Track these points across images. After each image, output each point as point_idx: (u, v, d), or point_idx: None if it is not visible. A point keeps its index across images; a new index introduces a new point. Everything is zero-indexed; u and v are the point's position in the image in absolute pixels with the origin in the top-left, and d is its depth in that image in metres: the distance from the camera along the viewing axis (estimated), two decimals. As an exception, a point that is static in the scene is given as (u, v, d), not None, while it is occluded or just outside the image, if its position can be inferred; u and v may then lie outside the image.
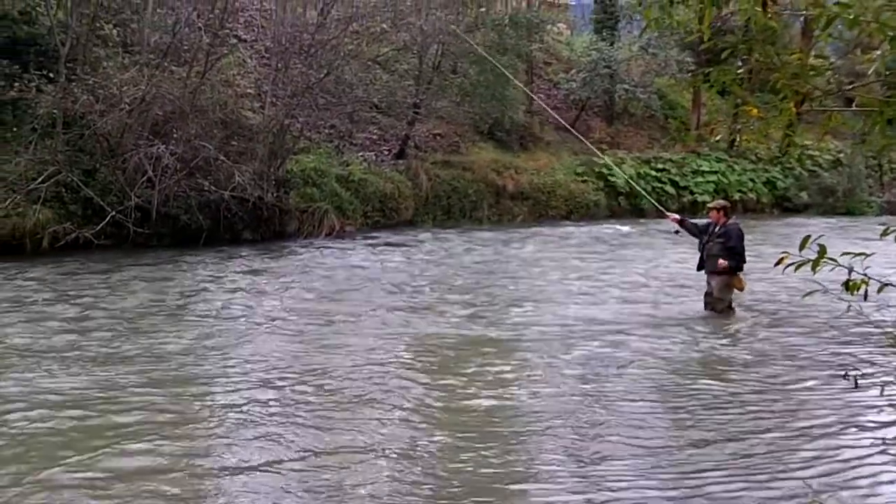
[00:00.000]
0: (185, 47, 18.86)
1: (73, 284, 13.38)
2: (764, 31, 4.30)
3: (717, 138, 25.87)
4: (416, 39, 21.95)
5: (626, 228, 15.86)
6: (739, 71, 4.52)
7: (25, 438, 6.52)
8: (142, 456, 6.14)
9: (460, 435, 6.60)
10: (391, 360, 8.81)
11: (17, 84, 16.77)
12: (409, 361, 8.80)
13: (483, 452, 6.21)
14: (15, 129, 17.51)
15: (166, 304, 11.85)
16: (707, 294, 11.22)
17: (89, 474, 5.83)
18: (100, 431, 6.66)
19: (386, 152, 23.29)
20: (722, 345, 9.66)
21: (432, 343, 9.61)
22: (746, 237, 11.25)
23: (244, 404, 7.28)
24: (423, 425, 6.84)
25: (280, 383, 7.94)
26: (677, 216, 11.54)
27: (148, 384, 7.96)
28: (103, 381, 8.04)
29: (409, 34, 21.46)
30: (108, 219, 16.67)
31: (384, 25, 20.18)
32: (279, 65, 20.13)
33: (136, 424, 6.81)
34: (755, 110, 4.55)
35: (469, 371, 8.40)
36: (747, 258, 11.09)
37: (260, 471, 5.85)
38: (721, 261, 10.90)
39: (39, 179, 16.59)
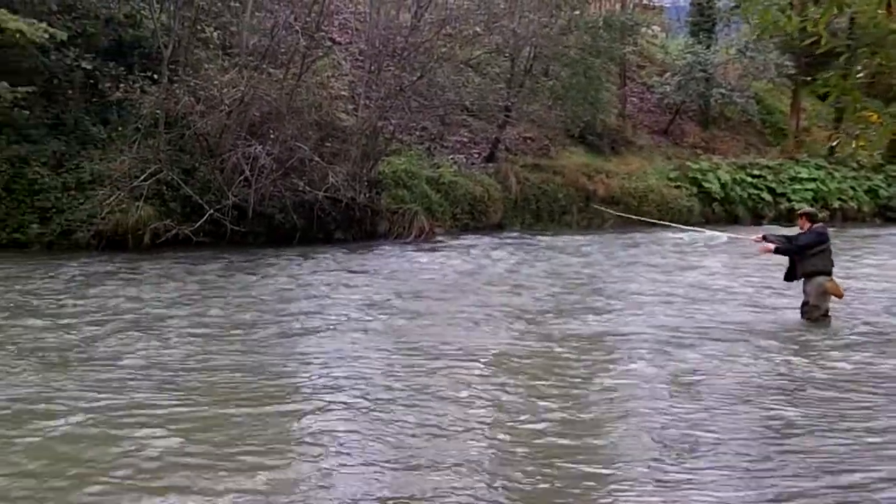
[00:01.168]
0: (282, 50, 19.21)
1: (178, 279, 13.72)
2: (888, 34, 4.20)
3: (835, 145, 25.17)
4: (509, 42, 22.00)
5: (724, 236, 15.46)
6: (860, 76, 4.42)
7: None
8: (242, 444, 6.27)
9: (551, 437, 6.60)
10: (481, 360, 8.79)
11: (122, 85, 17.31)
12: (498, 363, 8.78)
13: (574, 457, 6.20)
14: (119, 129, 18.12)
15: (264, 301, 12.02)
16: (804, 303, 11.06)
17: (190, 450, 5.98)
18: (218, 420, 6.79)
19: (476, 155, 23.37)
20: (809, 360, 9.19)
21: (523, 344, 9.62)
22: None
23: (332, 401, 7.28)
24: (517, 426, 6.82)
25: (370, 380, 7.98)
26: (765, 244, 11.16)
27: (241, 368, 8.14)
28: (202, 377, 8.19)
29: (501, 37, 21.52)
30: (206, 216, 17.09)
31: (477, 28, 20.22)
32: (373, 67, 20.37)
33: (240, 415, 6.89)
34: (875, 116, 4.47)
35: (557, 373, 8.40)
36: (838, 264, 10.83)
37: (351, 467, 5.86)
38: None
39: (142, 177, 17.13)
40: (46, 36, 16.57)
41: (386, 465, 5.86)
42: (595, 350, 9.47)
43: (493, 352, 9.15)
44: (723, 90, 28.20)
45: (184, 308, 11.46)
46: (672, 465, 6.02)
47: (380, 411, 7.00)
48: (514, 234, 20.52)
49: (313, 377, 8.12)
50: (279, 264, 15.45)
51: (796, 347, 9.70)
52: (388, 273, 14.73)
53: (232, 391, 7.53)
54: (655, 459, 6.10)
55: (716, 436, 6.61)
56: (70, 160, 17.66)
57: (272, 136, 17.81)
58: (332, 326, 10.32)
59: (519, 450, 6.26)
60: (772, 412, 7.31)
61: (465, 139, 23.67)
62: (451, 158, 22.44)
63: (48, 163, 17.46)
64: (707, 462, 6.09)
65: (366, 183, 18.91)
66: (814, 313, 10.88)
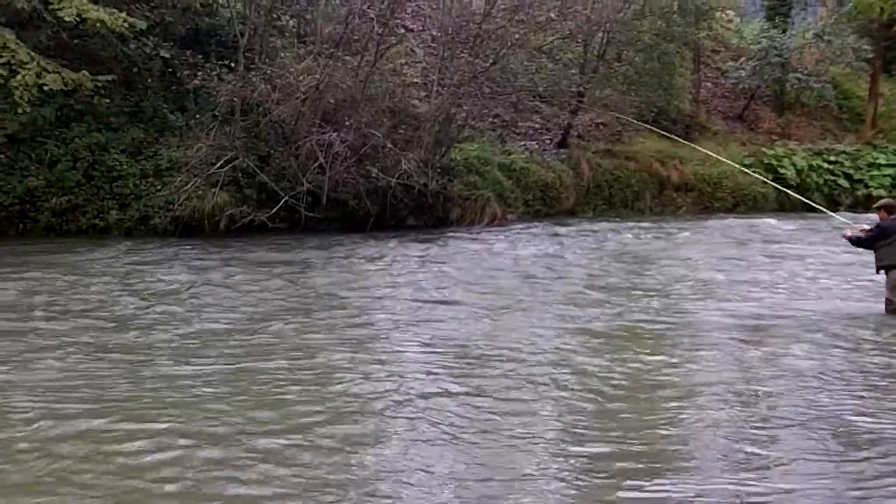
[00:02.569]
0: (356, 37, 19.18)
1: (258, 265, 13.90)
2: None
3: None
4: (582, 28, 21.67)
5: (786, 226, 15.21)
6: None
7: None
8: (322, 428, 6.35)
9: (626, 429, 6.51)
10: (557, 348, 8.79)
11: (199, 73, 17.38)
12: (575, 350, 8.77)
13: (651, 448, 6.14)
14: (197, 117, 18.19)
15: (342, 286, 12.22)
16: (887, 298, 10.71)
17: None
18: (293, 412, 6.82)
19: (548, 141, 23.20)
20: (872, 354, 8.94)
21: (598, 332, 9.57)
22: None
23: (408, 389, 7.36)
24: (592, 417, 6.78)
25: (444, 368, 8.03)
26: (846, 232, 11.09)
27: (321, 366, 8.15)
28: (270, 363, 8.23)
29: (574, 22, 21.16)
30: (281, 203, 17.15)
31: (550, 14, 19.94)
32: (445, 54, 20.25)
33: (322, 404, 6.97)
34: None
35: (631, 362, 8.35)
36: None
37: (431, 459, 5.89)
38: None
39: (218, 164, 17.23)
40: (126, 25, 16.72)
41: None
42: (665, 338, 9.37)
43: (561, 340, 9.12)
44: (799, 75, 27.49)
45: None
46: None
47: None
48: (587, 221, 20.29)
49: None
50: (354, 249, 15.55)
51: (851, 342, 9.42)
52: (460, 259, 14.72)
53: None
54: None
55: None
56: (148, 147, 17.84)
57: (346, 123, 17.82)
58: (407, 312, 10.57)
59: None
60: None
61: (536, 125, 23.49)
62: (523, 145, 22.31)
63: (127, 150, 17.65)
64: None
65: (438, 169, 18.81)
66: (889, 306, 10.62)
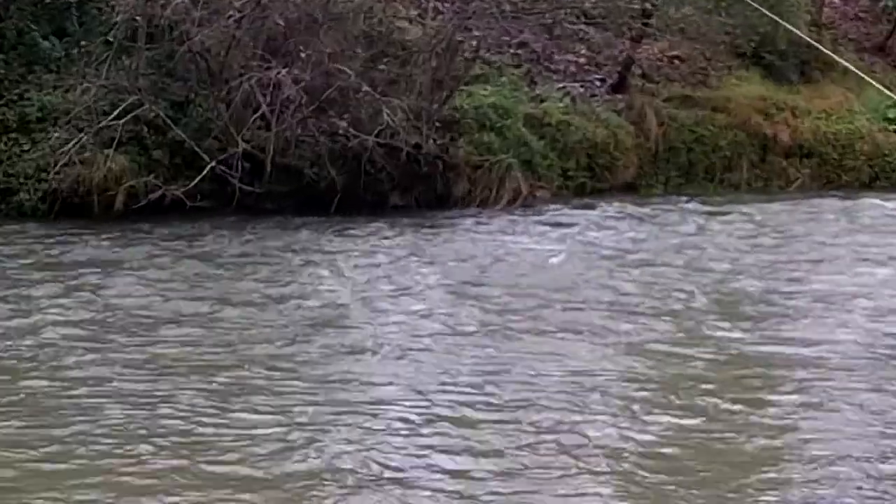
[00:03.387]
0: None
1: (159, 263, 14.28)
2: None
3: None
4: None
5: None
6: None
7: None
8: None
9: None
10: (608, 379, 9.49)
11: (85, -20, 17.40)
12: (634, 379, 9.48)
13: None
14: (82, 45, 17.92)
15: (286, 302, 12.40)
16: None
17: None
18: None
19: (598, 83, 22.85)
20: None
21: (670, 359, 10.26)
22: None
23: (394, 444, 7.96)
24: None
25: (447, 414, 8.65)
26: None
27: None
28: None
29: None
30: (205, 171, 17.07)
31: None
32: (448, -49, 20.26)
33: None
34: None
35: (715, 399, 9.03)
36: None
37: None
38: None
39: (113, 114, 17.05)
40: None
41: None
42: (775, 365, 10.12)
43: (617, 368, 9.79)
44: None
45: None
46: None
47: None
48: (656, 200, 20.21)
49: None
50: (307, 242, 15.79)
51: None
52: (465, 258, 14.84)
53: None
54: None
55: None
56: (10, 89, 17.64)
57: (301, 54, 17.70)
58: (389, 339, 10.93)
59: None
60: None
61: (581, 59, 23.18)
62: (562, 88, 21.98)
63: None
64: None
65: (436, 124, 18.65)
66: None
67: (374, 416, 8.93)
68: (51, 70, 17.97)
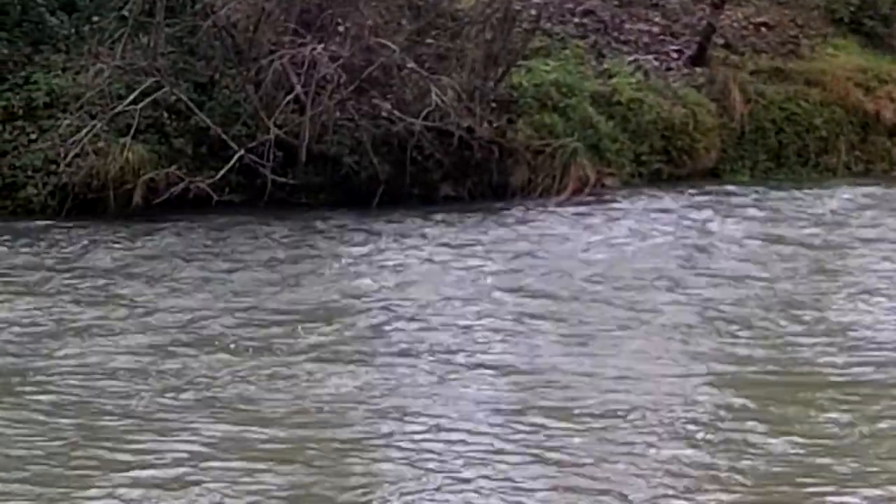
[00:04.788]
0: None
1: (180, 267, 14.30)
2: None
3: None
4: None
5: None
6: None
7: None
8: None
9: None
10: (691, 396, 9.53)
11: (98, -53, 17.41)
12: (715, 398, 9.49)
13: None
14: (94, 21, 17.87)
15: (327, 307, 12.56)
16: None
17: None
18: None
19: (675, 55, 22.39)
20: None
21: (755, 373, 10.24)
22: None
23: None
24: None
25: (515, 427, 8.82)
26: None
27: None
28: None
29: None
30: (233, 161, 16.83)
31: None
32: None
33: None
34: None
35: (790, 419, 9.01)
36: None
37: None
38: None
39: (129, 99, 16.87)
40: None
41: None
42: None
43: (699, 385, 9.89)
44: None
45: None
46: None
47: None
48: (742, 187, 19.74)
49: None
50: (347, 240, 15.72)
51: None
52: (526, 255, 14.75)
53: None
54: None
55: None
56: (14, 71, 17.53)
57: (339, 28, 17.85)
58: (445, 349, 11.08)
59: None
60: None
61: (655, 28, 22.75)
62: (634, 61, 21.53)
63: None
64: None
65: (491, 104, 18.32)
66: None
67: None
68: (59, 50, 17.84)
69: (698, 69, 21.77)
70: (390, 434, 8.97)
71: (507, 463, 8.34)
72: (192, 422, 9.26)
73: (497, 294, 13.04)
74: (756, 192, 19.18)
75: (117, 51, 17.20)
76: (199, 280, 13.87)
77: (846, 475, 8.07)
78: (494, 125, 18.25)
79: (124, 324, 11.98)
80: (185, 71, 17.51)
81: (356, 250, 15.10)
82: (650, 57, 21.80)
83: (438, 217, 16.79)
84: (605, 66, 20.94)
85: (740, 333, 11.57)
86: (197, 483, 7.94)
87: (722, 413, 9.34)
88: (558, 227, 16.50)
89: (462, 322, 12.09)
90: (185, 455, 8.48)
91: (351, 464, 8.39)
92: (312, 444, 8.72)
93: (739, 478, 7.97)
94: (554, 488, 7.90)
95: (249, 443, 8.83)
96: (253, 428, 9.11)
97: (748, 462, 8.24)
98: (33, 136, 16.85)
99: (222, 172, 16.67)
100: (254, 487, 7.95)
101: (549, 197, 18.16)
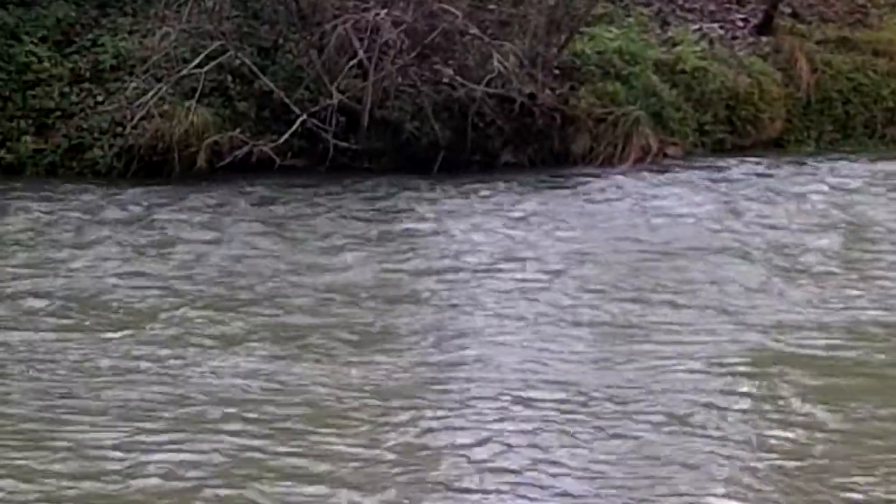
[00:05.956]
0: None
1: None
2: None
3: None
4: None
5: None
6: None
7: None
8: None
9: None
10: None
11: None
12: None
13: None
14: None
15: (392, 276, 12.50)
16: None
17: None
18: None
19: (740, 23, 22.19)
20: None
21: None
22: None
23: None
24: None
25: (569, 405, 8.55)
26: None
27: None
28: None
29: None
30: (296, 125, 16.88)
31: None
32: None
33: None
34: None
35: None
36: None
37: None
38: None
39: (195, 62, 16.92)
40: None
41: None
42: None
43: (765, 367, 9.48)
44: None
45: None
46: None
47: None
48: (808, 158, 19.52)
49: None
50: (410, 206, 15.66)
51: None
52: (586, 224, 14.74)
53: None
54: None
55: None
56: (82, 34, 17.64)
57: None
58: (505, 320, 10.91)
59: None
60: None
61: None
62: (698, 29, 21.36)
63: (49, 38, 17.49)
64: None
65: (554, 71, 18.25)
66: None
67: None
68: (126, 13, 17.94)
69: (764, 38, 21.56)
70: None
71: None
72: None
73: (560, 263, 12.97)
74: (823, 162, 18.99)
75: (183, 14, 17.22)
76: (257, 239, 14.08)
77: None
78: (556, 92, 18.15)
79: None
80: (250, 35, 17.55)
81: (417, 215, 15.15)
82: (715, 25, 21.64)
83: (499, 185, 16.72)
84: (670, 34, 20.80)
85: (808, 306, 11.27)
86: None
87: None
88: (619, 195, 16.40)
89: (529, 289, 12.00)
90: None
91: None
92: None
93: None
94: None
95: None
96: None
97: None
98: (100, 99, 17.00)
99: (285, 137, 16.77)
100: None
101: (610, 165, 18.10)
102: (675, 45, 20.49)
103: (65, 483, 7.19)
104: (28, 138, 16.88)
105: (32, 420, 8.20)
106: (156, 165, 16.76)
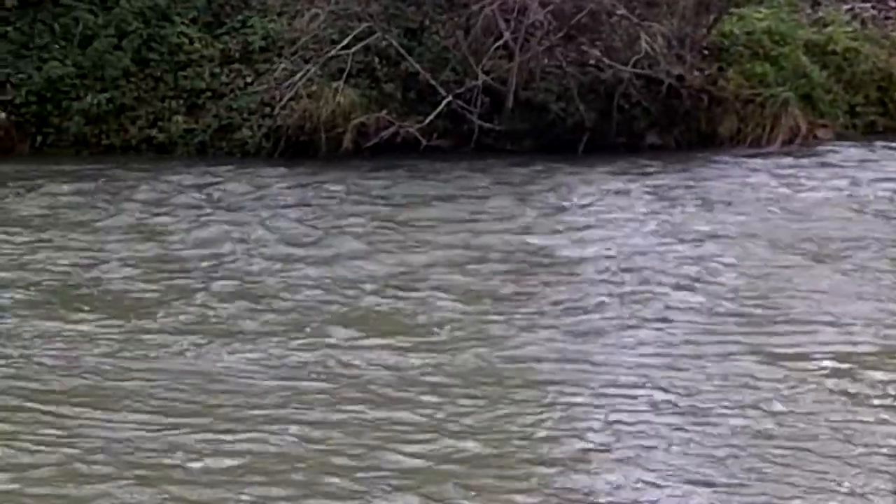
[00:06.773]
0: None
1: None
2: None
3: None
4: None
5: None
6: None
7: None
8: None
9: None
10: None
11: None
12: None
13: None
14: None
15: (541, 253, 12.50)
16: None
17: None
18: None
19: (893, 3, 21.63)
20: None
21: None
22: None
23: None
24: None
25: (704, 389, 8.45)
26: None
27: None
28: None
29: None
30: (441, 106, 16.89)
31: None
32: None
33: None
34: None
35: None
36: None
37: None
38: None
39: (342, 44, 17.09)
40: None
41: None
42: None
43: None
44: None
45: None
46: None
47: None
48: None
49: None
50: (557, 186, 15.59)
51: None
52: (734, 206, 14.60)
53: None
54: None
55: None
56: (232, 15, 17.92)
57: None
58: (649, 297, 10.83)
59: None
60: None
61: None
62: (850, 9, 20.89)
63: (200, 19, 17.74)
64: None
65: (702, 52, 18.16)
66: None
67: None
68: None
69: (922, 17, 21.01)
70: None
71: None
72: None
73: (710, 246, 12.85)
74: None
75: (332, -2, 17.42)
76: (434, 221, 14.11)
77: None
78: (704, 73, 18.04)
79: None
80: (396, 17, 17.66)
81: (564, 195, 15.12)
82: (867, 5, 21.19)
83: (646, 167, 16.63)
84: (820, 14, 20.47)
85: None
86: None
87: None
88: (768, 178, 16.20)
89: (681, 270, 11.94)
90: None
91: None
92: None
93: None
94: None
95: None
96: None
97: None
98: (249, 80, 17.35)
99: (431, 117, 16.78)
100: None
101: (758, 147, 17.93)
102: (825, 25, 20.12)
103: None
104: (179, 118, 17.21)
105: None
106: (303, 145, 16.96)
